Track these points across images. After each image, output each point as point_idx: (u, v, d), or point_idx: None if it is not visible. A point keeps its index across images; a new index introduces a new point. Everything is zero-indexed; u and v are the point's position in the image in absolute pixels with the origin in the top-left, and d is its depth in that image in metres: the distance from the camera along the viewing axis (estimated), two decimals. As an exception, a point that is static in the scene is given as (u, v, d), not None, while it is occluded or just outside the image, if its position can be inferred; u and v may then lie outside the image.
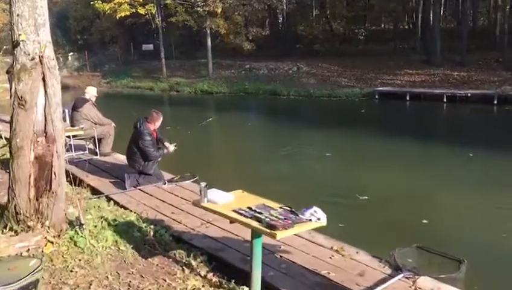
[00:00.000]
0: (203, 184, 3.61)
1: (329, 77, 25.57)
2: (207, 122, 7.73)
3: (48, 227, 3.90)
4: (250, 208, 3.49)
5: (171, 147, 6.84)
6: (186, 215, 5.58)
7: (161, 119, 6.74)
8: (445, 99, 18.38)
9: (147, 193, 6.50)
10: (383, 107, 19.50)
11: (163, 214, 5.65)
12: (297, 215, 3.32)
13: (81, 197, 6.18)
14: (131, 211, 5.84)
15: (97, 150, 8.64)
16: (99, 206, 5.73)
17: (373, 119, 16.66)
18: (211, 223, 5.23)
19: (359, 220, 7.04)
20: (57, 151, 4.03)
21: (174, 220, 5.45)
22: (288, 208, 3.50)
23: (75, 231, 3.96)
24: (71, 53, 39.55)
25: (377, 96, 20.46)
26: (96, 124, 8.50)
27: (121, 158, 8.44)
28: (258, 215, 3.35)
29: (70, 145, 8.51)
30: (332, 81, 24.64)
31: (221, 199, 3.64)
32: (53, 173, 3.99)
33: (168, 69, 31.53)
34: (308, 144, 12.75)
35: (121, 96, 27.81)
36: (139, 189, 6.65)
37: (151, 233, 4.98)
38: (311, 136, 13.80)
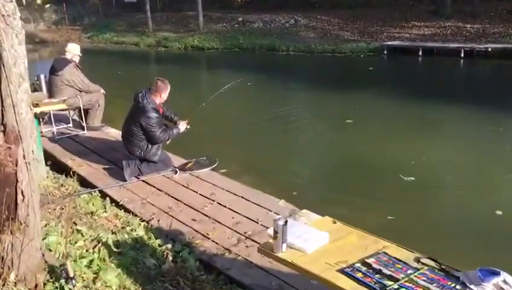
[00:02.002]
0: (280, 221, 2.07)
1: (330, 30, 23.66)
2: (227, 88, 6.11)
3: (15, 283, 2.37)
4: (368, 265, 1.98)
5: (182, 126, 5.25)
6: (213, 224, 4.06)
7: (168, 89, 5.11)
8: (462, 54, 16.79)
9: (153, 187, 4.94)
10: (394, 64, 17.84)
11: (181, 222, 4.12)
12: (465, 286, 1.82)
13: (65, 195, 4.63)
14: (136, 215, 4.31)
15: (84, 124, 6.98)
16: (92, 213, 4.17)
17: (387, 78, 15.01)
18: (253, 240, 3.73)
19: (413, 212, 5.53)
20: (24, 157, 2.44)
21: (197, 232, 3.93)
22: (436, 265, 2.00)
23: (60, 286, 2.43)
24: (48, 5, 36.71)
25: (385, 52, 18.73)
26: (81, 91, 6.81)
27: (114, 134, 6.84)
28: (393, 285, 1.84)
29: (49, 117, 6.86)
30: (333, 35, 22.76)
31: (311, 243, 2.12)
32: (19, 192, 2.42)
33: (153, 22, 29.19)
34: (322, 108, 11.13)
35: (104, 52, 25.60)
36: (143, 180, 5.10)
37: (170, 257, 3.48)
38: (322, 99, 12.11)
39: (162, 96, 5.03)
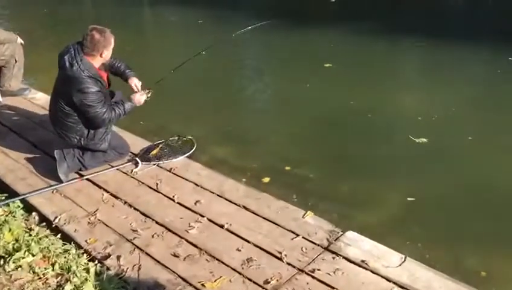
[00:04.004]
0: None
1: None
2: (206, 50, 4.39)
3: None
4: None
5: (141, 96, 3.52)
6: (208, 262, 2.52)
7: (112, 43, 3.29)
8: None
9: (104, 190, 3.28)
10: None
11: (156, 261, 2.56)
12: None
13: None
14: (80, 248, 2.71)
15: (-4, 88, 5.09)
16: (5, 259, 2.53)
17: (355, 11, 13.15)
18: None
19: (436, 187, 4.10)
20: None
21: (186, 282, 2.38)
22: None
23: None
24: None
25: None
26: (-12, 42, 4.89)
27: (41, 101, 5.03)
28: None
29: None
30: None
31: None
32: None
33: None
34: (291, 50, 9.41)
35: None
36: (88, 179, 3.43)
37: None
38: (285, 38, 10.16)
39: (103, 55, 3.23)
